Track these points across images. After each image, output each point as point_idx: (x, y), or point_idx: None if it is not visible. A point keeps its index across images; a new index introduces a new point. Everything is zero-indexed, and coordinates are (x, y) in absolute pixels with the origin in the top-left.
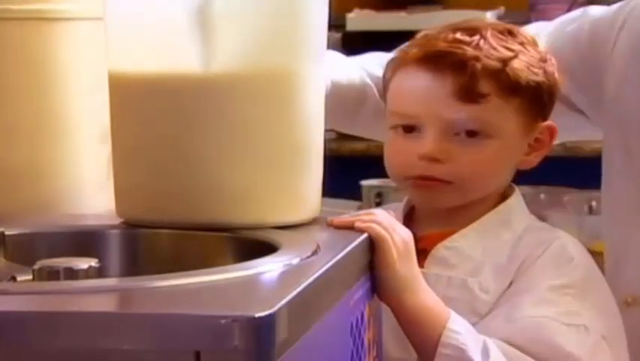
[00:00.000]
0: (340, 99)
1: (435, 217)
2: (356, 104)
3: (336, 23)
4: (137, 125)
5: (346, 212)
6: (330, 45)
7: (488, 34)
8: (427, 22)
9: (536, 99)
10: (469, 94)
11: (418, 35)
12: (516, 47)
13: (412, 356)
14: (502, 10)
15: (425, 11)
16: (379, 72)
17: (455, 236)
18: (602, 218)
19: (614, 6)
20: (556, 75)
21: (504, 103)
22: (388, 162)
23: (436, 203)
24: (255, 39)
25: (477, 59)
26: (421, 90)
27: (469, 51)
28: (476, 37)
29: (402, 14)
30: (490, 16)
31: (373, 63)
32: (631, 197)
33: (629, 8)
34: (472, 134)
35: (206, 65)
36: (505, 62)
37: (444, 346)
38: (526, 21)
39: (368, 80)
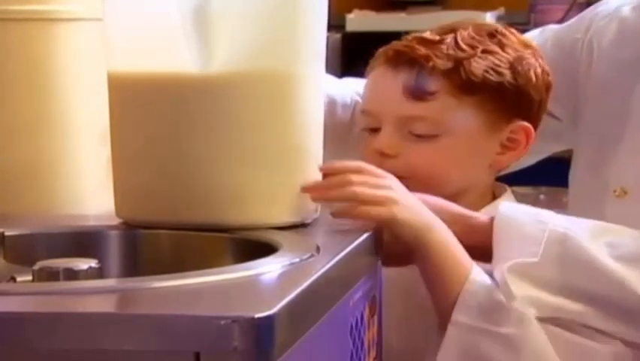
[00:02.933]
0: (332, 114)
1: None
2: (347, 123)
3: (335, 24)
4: (136, 126)
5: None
6: (330, 46)
7: (465, 34)
8: (427, 23)
9: (500, 98)
10: (416, 91)
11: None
12: (486, 47)
13: (414, 346)
14: (502, 10)
15: (425, 12)
16: None
17: None
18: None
19: (577, 16)
20: (534, 78)
21: (456, 101)
22: None
23: None
24: (253, 39)
25: (427, 57)
26: (379, 88)
27: (421, 50)
28: (448, 37)
29: (401, 15)
30: (489, 16)
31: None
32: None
33: (592, 14)
34: (418, 135)
35: (205, 65)
36: (459, 61)
37: (471, 283)
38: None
39: (357, 98)
